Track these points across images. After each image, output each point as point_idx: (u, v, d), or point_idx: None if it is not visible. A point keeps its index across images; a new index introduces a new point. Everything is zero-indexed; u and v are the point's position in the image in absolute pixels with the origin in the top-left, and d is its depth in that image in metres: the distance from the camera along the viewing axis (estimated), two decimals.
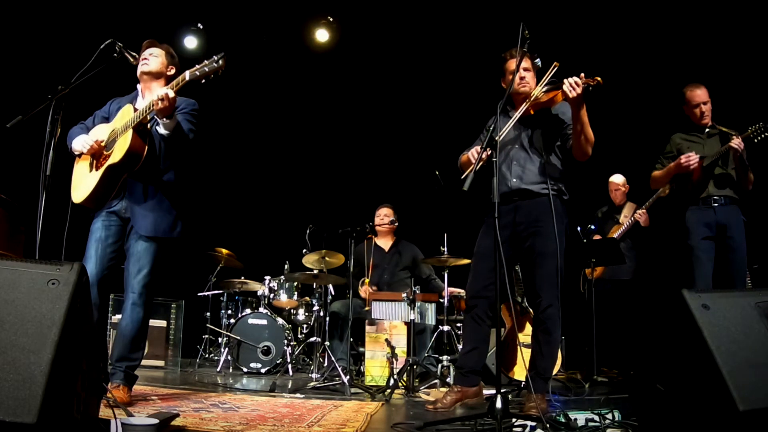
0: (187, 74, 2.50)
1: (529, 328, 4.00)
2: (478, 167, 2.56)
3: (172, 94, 2.49)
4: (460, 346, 4.18)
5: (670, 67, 5.15)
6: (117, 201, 2.76)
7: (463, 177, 2.58)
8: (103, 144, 2.74)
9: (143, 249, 2.73)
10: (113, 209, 2.76)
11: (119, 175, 2.69)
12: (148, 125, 2.68)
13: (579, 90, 2.62)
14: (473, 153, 2.91)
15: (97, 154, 2.75)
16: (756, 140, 3.48)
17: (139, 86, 2.91)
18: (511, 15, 4.46)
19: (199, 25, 6.31)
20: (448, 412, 2.79)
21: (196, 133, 2.84)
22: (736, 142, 3.41)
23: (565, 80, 2.66)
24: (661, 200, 4.45)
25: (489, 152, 2.54)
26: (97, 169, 2.71)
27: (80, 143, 2.75)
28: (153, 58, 2.86)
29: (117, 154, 2.60)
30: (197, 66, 2.48)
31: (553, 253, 2.77)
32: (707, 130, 3.66)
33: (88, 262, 2.66)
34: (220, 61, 2.44)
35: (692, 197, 3.62)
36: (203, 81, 2.49)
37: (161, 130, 2.63)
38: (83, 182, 2.75)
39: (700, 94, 3.61)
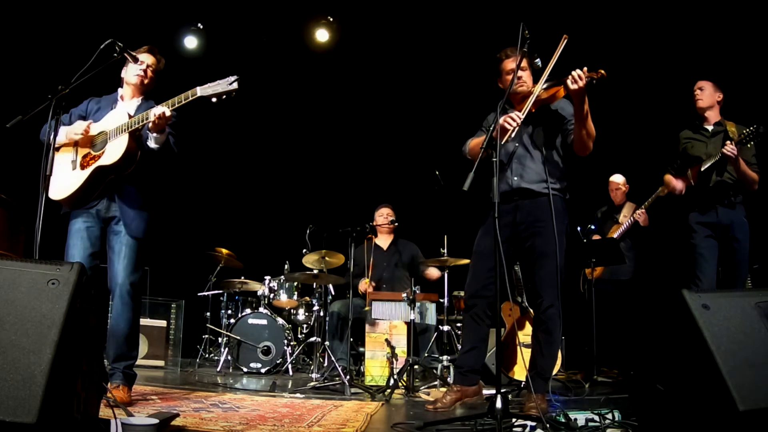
0: (198, 90, 2.50)
1: (529, 328, 4.00)
2: (476, 166, 2.56)
3: (168, 113, 2.54)
4: (459, 346, 4.19)
5: (671, 66, 5.15)
6: (98, 201, 2.74)
7: (472, 169, 2.53)
8: (90, 139, 2.72)
9: (129, 248, 2.72)
10: (94, 209, 2.74)
11: (107, 176, 2.69)
12: (140, 132, 2.70)
13: (582, 83, 2.60)
14: (508, 119, 2.72)
15: (83, 151, 2.73)
16: (748, 146, 3.40)
17: (120, 90, 2.92)
18: (511, 14, 4.46)
19: (199, 25, 6.31)
20: (448, 412, 2.79)
21: (177, 142, 2.84)
22: (729, 149, 3.32)
23: (570, 74, 2.63)
24: (661, 200, 4.45)
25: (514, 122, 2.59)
26: (82, 169, 2.69)
27: (64, 134, 2.71)
28: (151, 73, 2.88)
29: (111, 157, 2.61)
30: (210, 84, 2.48)
31: (554, 254, 2.76)
32: (712, 128, 3.58)
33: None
34: (234, 84, 2.43)
35: (694, 201, 3.57)
36: (214, 100, 2.49)
37: (151, 144, 2.66)
38: (64, 180, 2.71)
39: (699, 82, 3.60)
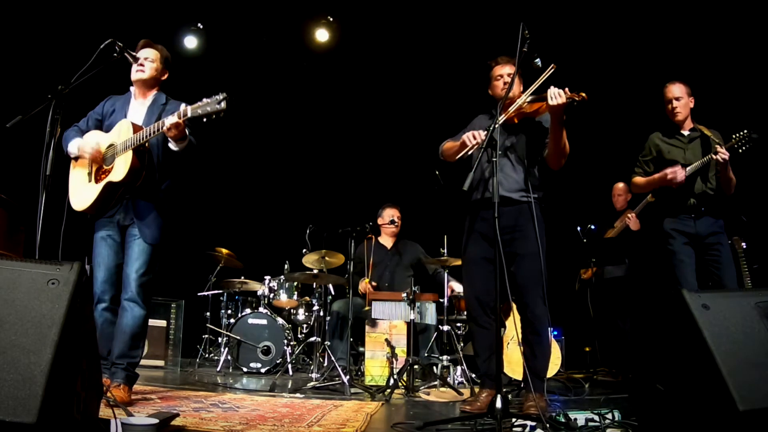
0: (189, 110, 2.55)
1: None
2: (476, 166, 2.58)
3: (182, 126, 2.60)
4: (460, 346, 4.19)
5: (672, 70, 5.14)
6: (116, 210, 2.81)
7: (468, 177, 2.53)
8: (102, 154, 2.77)
9: (142, 250, 2.78)
10: (114, 218, 2.82)
11: (118, 190, 2.75)
12: (147, 144, 2.74)
13: (562, 100, 2.61)
14: (470, 136, 2.82)
15: (96, 165, 2.79)
16: (740, 150, 3.26)
17: (132, 89, 2.94)
18: (511, 14, 4.45)
19: (199, 25, 6.31)
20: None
21: (194, 133, 2.87)
22: (722, 156, 3.20)
23: (550, 88, 2.65)
24: (651, 205, 4.46)
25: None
26: (96, 182, 2.76)
27: (77, 147, 2.80)
28: (149, 64, 2.88)
29: (118, 174, 2.66)
30: (199, 103, 2.53)
31: (536, 255, 2.80)
32: (688, 133, 3.45)
33: (98, 269, 2.76)
34: (223, 104, 2.47)
35: (672, 207, 3.42)
36: (204, 120, 2.55)
37: (173, 147, 2.71)
38: (82, 191, 2.80)
39: (672, 89, 3.42)
